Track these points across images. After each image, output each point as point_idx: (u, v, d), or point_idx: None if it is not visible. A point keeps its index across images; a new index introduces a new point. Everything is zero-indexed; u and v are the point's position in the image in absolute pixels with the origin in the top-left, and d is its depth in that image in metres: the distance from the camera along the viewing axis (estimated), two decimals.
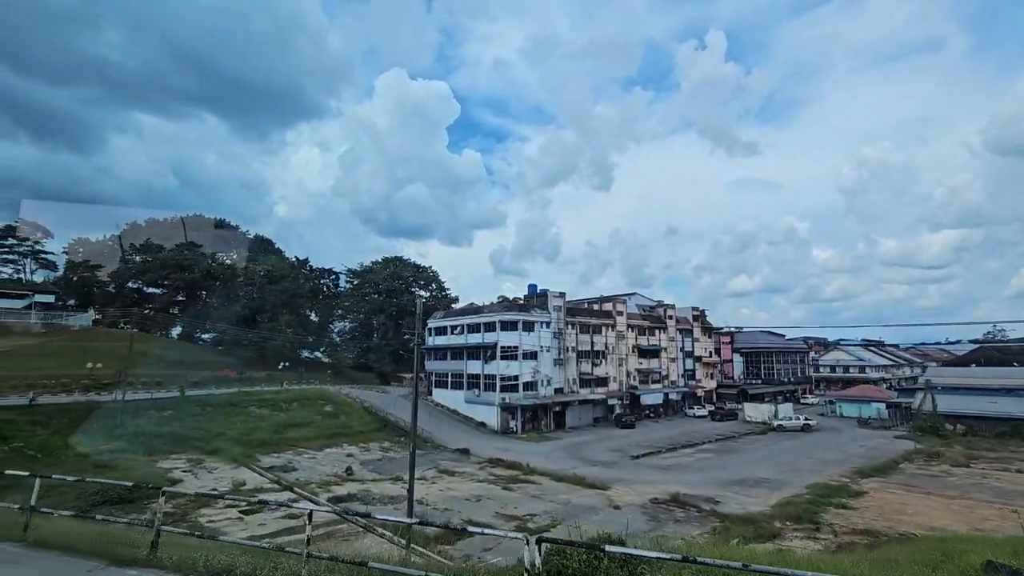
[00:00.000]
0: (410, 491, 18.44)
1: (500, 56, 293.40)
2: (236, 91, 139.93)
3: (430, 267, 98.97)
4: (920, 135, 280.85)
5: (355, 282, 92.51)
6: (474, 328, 57.77)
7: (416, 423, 18.42)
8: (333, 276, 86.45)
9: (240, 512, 24.62)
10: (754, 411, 62.77)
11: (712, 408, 69.37)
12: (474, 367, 56.91)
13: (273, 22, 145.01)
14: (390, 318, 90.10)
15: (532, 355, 55.05)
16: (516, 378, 53.40)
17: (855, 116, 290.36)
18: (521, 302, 60.79)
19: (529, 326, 55.39)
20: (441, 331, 63.53)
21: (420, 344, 19.38)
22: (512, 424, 53.11)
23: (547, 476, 34.34)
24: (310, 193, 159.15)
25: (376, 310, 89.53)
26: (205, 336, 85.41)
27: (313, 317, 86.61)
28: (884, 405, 63.84)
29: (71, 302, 74.69)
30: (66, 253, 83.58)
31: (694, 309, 79.82)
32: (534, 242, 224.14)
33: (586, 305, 68.41)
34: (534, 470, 35.93)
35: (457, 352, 59.79)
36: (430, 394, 63.61)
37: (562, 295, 59.57)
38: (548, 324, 57.25)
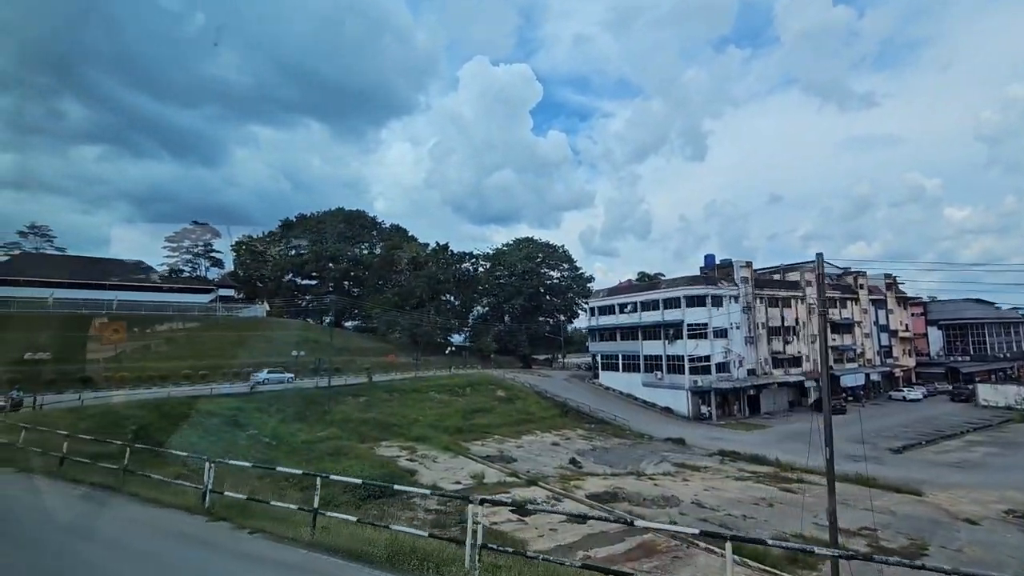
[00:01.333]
0: (831, 518, 14.01)
1: (581, 31, 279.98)
2: (335, 97, 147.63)
3: (562, 246, 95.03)
4: None
5: (487, 265, 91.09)
6: (649, 305, 52.75)
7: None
8: (472, 260, 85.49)
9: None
10: (993, 393, 51.96)
11: (945, 389, 59.14)
12: (650, 348, 52.06)
13: (364, 26, 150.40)
14: (527, 300, 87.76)
15: (722, 333, 49.03)
16: (707, 359, 47.79)
17: (995, 50, 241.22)
18: (702, 275, 54.50)
19: (717, 301, 49.32)
20: (606, 311, 59.27)
21: (824, 313, 14.67)
22: (704, 409, 47.72)
23: (814, 474, 28.80)
24: (404, 187, 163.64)
25: (514, 293, 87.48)
26: (347, 323, 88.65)
27: (453, 302, 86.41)
28: None
29: (240, 295, 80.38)
30: (233, 251, 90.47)
31: (886, 276, 68.52)
32: (624, 220, 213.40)
33: (767, 276, 60.56)
34: (790, 466, 30.54)
35: (627, 332, 55.26)
36: (596, 377, 59.90)
37: (748, 264, 52.63)
38: (736, 298, 50.76)
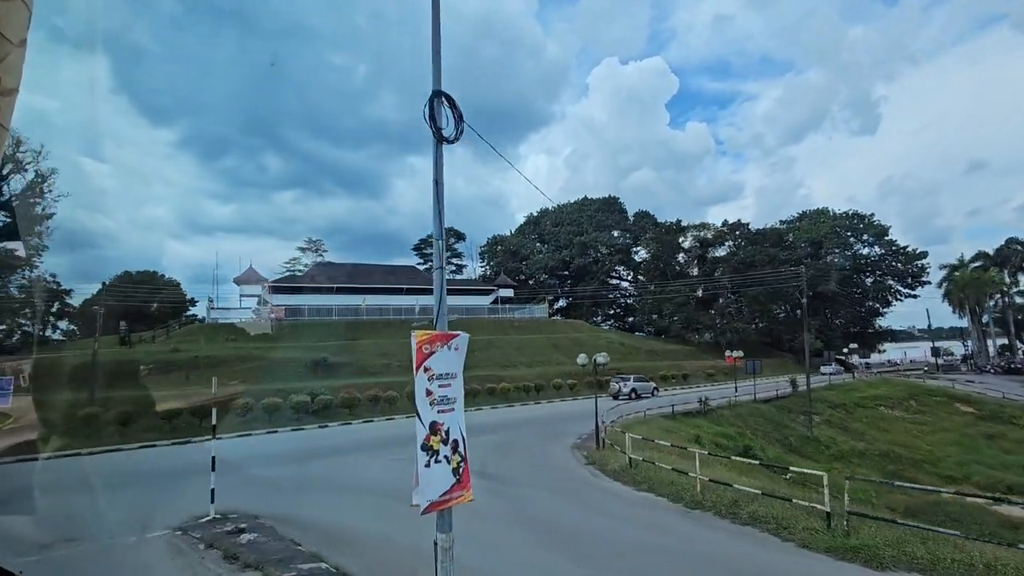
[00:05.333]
0: None
1: (720, 12, 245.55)
2: (477, 120, 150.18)
3: (871, 215, 73.82)
4: None
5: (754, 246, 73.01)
6: None
7: None
8: (774, 237, 67.72)
9: None
10: None
11: None
12: None
13: (499, 49, 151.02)
14: (839, 284, 68.60)
15: None
16: None
17: None
18: None
19: None
20: None
21: None
22: None
23: None
24: (542, 198, 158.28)
25: (819, 277, 68.88)
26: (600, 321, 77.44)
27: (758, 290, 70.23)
28: None
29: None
30: (481, 253, 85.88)
31: None
32: (778, 209, 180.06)
33: None
34: None
35: None
36: None
37: None
38: None
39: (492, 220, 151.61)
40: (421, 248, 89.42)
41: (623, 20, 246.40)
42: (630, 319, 77.97)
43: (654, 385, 34.38)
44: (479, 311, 56.98)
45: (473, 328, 41.24)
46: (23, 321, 49.78)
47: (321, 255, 79.72)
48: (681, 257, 70.64)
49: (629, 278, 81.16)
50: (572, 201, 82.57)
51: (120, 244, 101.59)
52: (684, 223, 69.95)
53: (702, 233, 67.12)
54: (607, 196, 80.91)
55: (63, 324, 53.28)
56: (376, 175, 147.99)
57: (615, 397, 31.06)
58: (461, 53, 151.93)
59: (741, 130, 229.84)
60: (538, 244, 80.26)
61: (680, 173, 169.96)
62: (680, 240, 67.86)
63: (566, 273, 77.74)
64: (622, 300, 79.41)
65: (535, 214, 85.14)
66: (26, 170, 45.18)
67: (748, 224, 66.26)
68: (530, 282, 77.09)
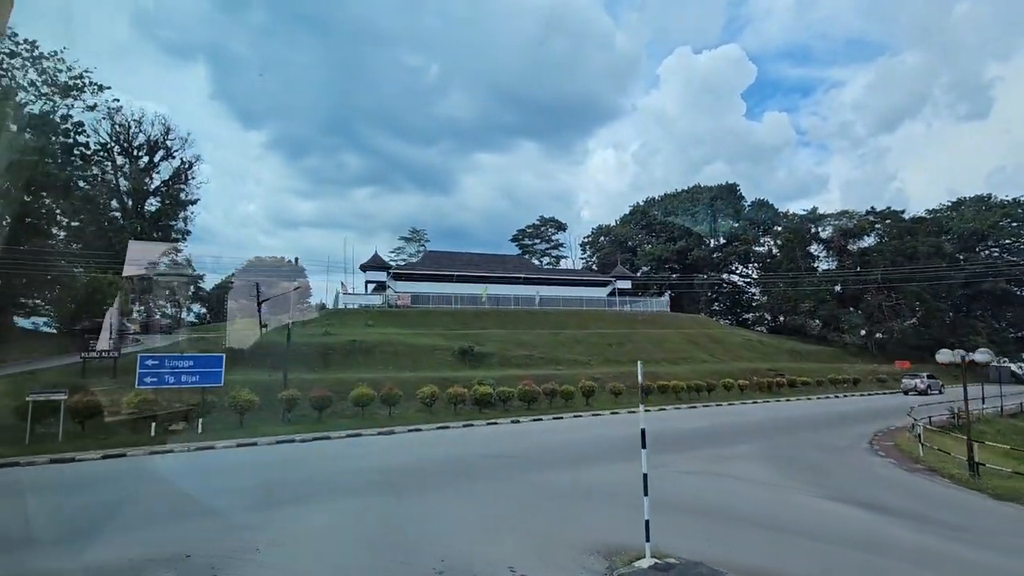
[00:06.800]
0: None
1: None
2: (546, 115, 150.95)
3: None
4: None
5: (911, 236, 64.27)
6: None
7: None
8: (933, 226, 58.89)
9: None
10: None
11: None
12: None
13: (569, 42, 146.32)
14: (1008, 282, 59.32)
15: None
16: None
17: None
18: None
19: None
20: None
21: None
22: None
23: None
24: (610, 193, 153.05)
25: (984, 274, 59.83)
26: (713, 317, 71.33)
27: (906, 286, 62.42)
28: None
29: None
30: (582, 245, 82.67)
31: None
32: (868, 203, 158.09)
33: None
34: None
35: None
36: None
37: None
38: None
39: (560, 215, 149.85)
40: (519, 239, 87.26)
41: (697, 7, 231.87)
42: (747, 315, 71.93)
43: (941, 382, 35.81)
44: (597, 303, 53.67)
45: (597, 322, 38.16)
46: (166, 304, 52.07)
47: (423, 245, 79.59)
48: (814, 248, 63.87)
49: (740, 271, 75.08)
50: (683, 189, 77.30)
51: (217, 238, 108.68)
52: (820, 211, 63.05)
53: (842, 222, 59.97)
54: (724, 183, 74.76)
55: (196, 307, 55.49)
56: (446, 171, 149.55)
57: (906, 393, 31.68)
58: (528, 47, 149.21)
59: (826, 119, 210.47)
60: (645, 235, 75.74)
61: (756, 166, 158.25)
62: (817, 230, 61.15)
63: (675, 265, 72.80)
64: (737, 295, 73.41)
65: (641, 203, 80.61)
66: (174, 157, 47.13)
67: (903, 212, 58.31)
68: (638, 273, 72.86)
